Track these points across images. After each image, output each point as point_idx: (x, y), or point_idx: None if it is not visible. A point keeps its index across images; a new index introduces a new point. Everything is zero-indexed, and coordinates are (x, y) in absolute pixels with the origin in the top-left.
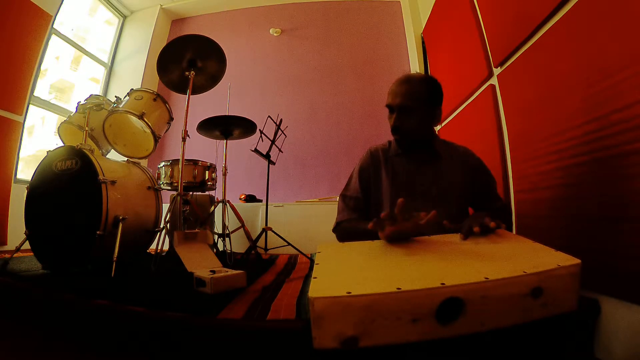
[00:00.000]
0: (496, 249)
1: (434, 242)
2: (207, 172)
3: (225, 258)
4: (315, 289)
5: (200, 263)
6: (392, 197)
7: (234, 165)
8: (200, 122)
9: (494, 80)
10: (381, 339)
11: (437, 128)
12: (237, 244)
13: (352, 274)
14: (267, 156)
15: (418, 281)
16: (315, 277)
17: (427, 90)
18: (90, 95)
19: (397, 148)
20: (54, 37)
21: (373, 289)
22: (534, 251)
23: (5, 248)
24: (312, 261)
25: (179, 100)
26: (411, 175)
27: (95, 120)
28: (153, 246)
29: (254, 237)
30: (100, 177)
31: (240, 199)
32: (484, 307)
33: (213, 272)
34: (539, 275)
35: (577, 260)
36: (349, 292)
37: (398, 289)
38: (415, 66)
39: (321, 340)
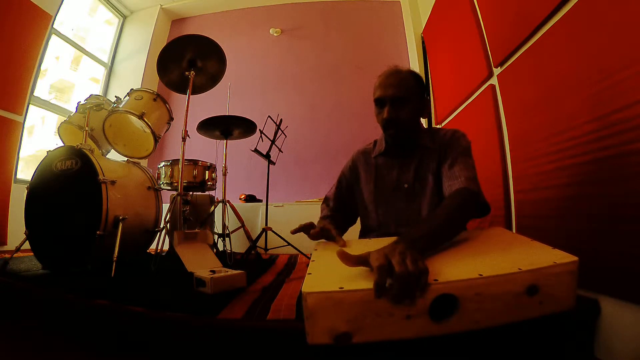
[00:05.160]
0: (492, 246)
1: None
2: (207, 172)
3: (225, 258)
4: (309, 285)
5: (200, 263)
6: (375, 199)
7: (234, 165)
8: (200, 122)
9: (494, 80)
10: (374, 336)
11: (438, 128)
12: (237, 244)
13: (346, 270)
14: (267, 156)
15: None
16: (309, 273)
17: (415, 81)
18: (90, 95)
19: (381, 147)
20: (54, 37)
21: (366, 285)
22: (530, 248)
23: (5, 248)
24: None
25: (179, 100)
26: (395, 175)
27: (95, 120)
28: (153, 246)
29: (254, 237)
30: (100, 177)
31: (240, 199)
32: (478, 305)
33: (213, 272)
34: (534, 273)
35: (574, 258)
36: (342, 288)
37: (391, 284)
38: (415, 66)
39: (314, 336)
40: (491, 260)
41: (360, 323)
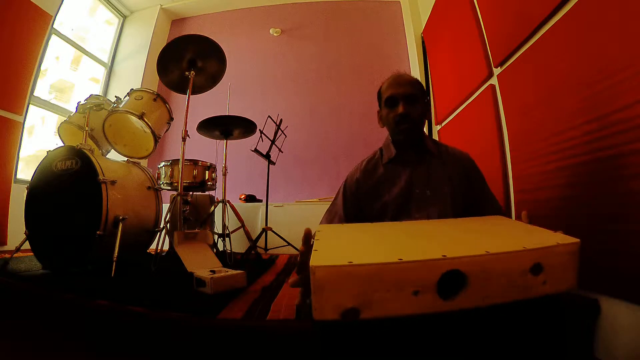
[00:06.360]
0: (495, 228)
1: (435, 222)
2: (207, 172)
3: (225, 258)
4: (316, 259)
5: (200, 263)
6: (391, 207)
7: (234, 165)
8: (200, 122)
9: (494, 80)
10: (382, 312)
11: (438, 128)
12: (237, 244)
13: (353, 246)
14: (267, 156)
15: (420, 253)
16: (316, 250)
17: (419, 83)
18: (90, 95)
19: (390, 153)
20: (54, 37)
21: (374, 259)
22: (533, 231)
23: (5, 248)
24: None
25: (179, 100)
26: (405, 180)
27: (95, 120)
28: (153, 246)
29: (254, 237)
30: (100, 177)
31: (240, 199)
32: (485, 282)
33: (213, 272)
34: (538, 252)
35: (576, 240)
36: (351, 262)
37: (399, 259)
38: (415, 66)
39: (322, 311)
40: (497, 239)
41: (368, 298)
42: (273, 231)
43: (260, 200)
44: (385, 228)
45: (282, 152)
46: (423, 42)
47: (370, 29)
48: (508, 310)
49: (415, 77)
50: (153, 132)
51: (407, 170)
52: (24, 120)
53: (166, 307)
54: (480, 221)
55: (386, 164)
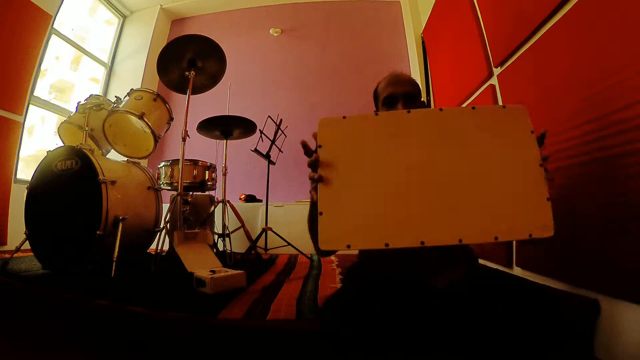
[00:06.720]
0: (488, 177)
1: (433, 140)
2: (207, 172)
3: (225, 258)
4: (323, 239)
5: (200, 263)
6: None
7: (234, 165)
8: (200, 122)
9: (494, 80)
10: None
11: None
12: (237, 244)
13: (353, 212)
14: (267, 156)
15: (403, 237)
16: (321, 213)
17: (417, 82)
18: (90, 95)
19: None
20: (54, 37)
21: (366, 243)
22: (522, 193)
23: (5, 248)
24: (311, 261)
25: (179, 100)
26: None
27: (95, 120)
28: (153, 246)
29: (254, 237)
30: (100, 177)
31: (240, 199)
32: None
33: (213, 272)
34: (508, 241)
35: (550, 233)
36: (349, 246)
37: (386, 245)
38: (415, 66)
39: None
40: (475, 218)
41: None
42: (273, 231)
43: (260, 200)
44: (388, 145)
45: (282, 152)
46: (423, 42)
47: (370, 29)
48: (508, 311)
49: (412, 77)
50: (153, 132)
51: None
52: (24, 120)
53: (166, 307)
54: (483, 140)
55: None
